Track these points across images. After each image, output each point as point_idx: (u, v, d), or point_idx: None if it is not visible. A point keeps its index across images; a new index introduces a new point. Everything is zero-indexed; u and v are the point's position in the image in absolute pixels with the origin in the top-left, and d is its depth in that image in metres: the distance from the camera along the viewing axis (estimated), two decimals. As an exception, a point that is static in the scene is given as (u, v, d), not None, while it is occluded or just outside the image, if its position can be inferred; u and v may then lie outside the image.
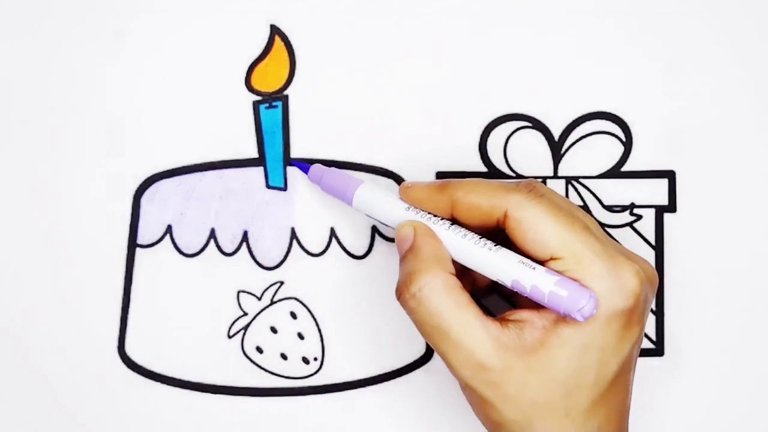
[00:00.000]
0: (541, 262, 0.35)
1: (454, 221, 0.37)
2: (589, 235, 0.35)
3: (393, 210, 0.38)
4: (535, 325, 0.35)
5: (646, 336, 0.44)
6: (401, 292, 0.36)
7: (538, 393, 0.34)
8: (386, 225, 0.39)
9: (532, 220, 0.35)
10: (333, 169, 0.41)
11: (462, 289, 0.36)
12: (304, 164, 0.42)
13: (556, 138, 0.44)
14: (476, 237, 0.36)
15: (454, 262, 0.37)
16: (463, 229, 0.37)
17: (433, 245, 0.37)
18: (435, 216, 0.37)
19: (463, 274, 0.39)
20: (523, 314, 0.35)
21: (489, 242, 0.36)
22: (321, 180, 0.41)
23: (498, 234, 0.37)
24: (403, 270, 0.36)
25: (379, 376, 0.44)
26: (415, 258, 0.36)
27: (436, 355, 0.44)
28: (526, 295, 0.35)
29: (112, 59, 0.43)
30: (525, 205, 0.35)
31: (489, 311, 0.42)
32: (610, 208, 0.44)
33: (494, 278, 0.35)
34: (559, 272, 0.34)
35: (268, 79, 0.43)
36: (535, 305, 0.35)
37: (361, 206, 0.40)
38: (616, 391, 0.36)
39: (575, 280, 0.34)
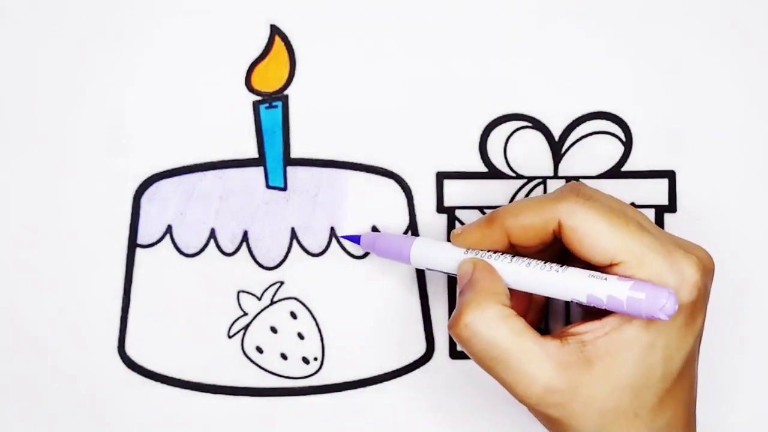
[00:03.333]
0: (602, 268, 0.35)
1: (515, 255, 0.37)
2: (645, 234, 0.35)
3: (453, 257, 0.38)
4: (597, 333, 0.35)
5: (646, 336, 0.44)
6: (455, 323, 0.35)
7: (607, 401, 0.34)
8: (450, 274, 0.39)
9: (586, 226, 0.35)
10: (383, 233, 0.42)
11: (516, 316, 0.35)
12: (354, 236, 0.42)
13: (556, 138, 0.44)
14: (540, 263, 0.36)
15: (520, 297, 0.37)
16: (526, 258, 0.37)
17: (489, 279, 0.36)
18: (495, 253, 0.37)
19: (530, 308, 0.40)
20: (585, 326, 0.35)
21: (554, 265, 0.36)
22: (374, 246, 0.41)
23: (556, 246, 0.37)
24: (458, 304, 0.36)
25: (379, 376, 0.44)
26: (470, 291, 0.36)
27: (436, 355, 0.44)
28: (603, 308, 0.34)
29: (112, 59, 0.43)
30: (577, 212, 0.35)
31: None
32: (610, 208, 0.44)
33: (568, 299, 0.35)
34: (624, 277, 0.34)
35: (268, 79, 0.43)
36: (596, 315, 0.35)
37: (421, 262, 0.40)
38: (682, 385, 0.36)
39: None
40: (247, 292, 0.43)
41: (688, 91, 0.44)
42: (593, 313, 0.36)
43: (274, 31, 0.43)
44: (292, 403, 0.44)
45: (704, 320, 0.36)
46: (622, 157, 0.44)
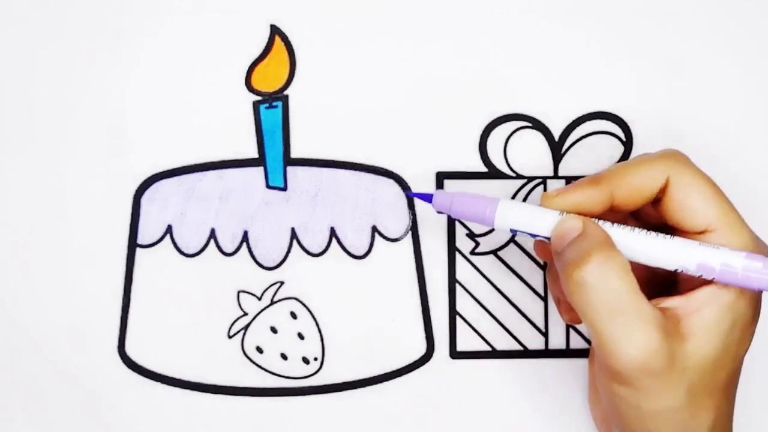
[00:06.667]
0: (693, 234, 0.35)
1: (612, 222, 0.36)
2: (734, 208, 0.35)
3: (547, 218, 0.36)
4: (689, 309, 0.35)
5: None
6: (579, 268, 0.34)
7: (695, 377, 0.34)
8: (540, 236, 0.36)
9: (695, 186, 0.35)
10: (462, 192, 0.38)
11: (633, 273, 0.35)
12: (426, 194, 0.39)
13: (556, 138, 0.44)
14: (644, 231, 0.35)
15: None
16: (627, 225, 0.36)
17: (603, 232, 0.35)
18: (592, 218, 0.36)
19: None
20: (672, 301, 0.35)
21: (659, 233, 0.35)
22: (451, 206, 0.38)
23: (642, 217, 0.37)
24: (575, 251, 0.35)
25: (379, 376, 0.44)
26: (587, 240, 0.35)
27: (436, 355, 0.44)
28: (712, 277, 0.34)
29: (112, 59, 0.43)
30: (686, 171, 0.35)
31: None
32: (610, 208, 0.44)
33: (674, 267, 0.35)
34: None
35: (268, 79, 0.43)
36: (678, 291, 0.35)
37: (507, 223, 0.37)
38: (738, 372, 0.36)
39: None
40: (247, 292, 0.43)
41: (688, 91, 0.44)
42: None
43: (274, 31, 0.43)
44: (292, 403, 0.44)
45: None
46: (622, 157, 0.44)
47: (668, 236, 0.35)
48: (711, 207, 0.35)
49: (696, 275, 0.35)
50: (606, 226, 0.36)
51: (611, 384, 0.35)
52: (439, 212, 0.41)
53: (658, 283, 0.38)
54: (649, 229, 0.36)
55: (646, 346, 0.33)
